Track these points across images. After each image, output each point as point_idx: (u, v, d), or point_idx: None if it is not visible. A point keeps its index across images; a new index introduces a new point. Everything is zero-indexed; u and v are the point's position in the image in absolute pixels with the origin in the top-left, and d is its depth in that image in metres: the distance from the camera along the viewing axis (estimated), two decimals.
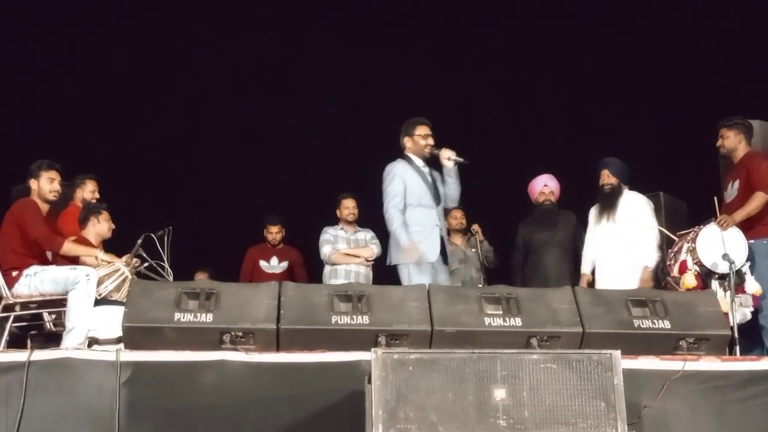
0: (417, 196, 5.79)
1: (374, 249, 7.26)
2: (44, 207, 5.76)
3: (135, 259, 5.87)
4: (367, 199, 6.94)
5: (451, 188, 5.90)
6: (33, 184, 5.71)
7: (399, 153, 6.05)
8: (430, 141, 5.92)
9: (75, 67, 9.56)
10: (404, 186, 5.78)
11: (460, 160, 5.86)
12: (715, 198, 5.97)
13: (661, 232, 6.44)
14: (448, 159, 5.84)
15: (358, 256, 7.19)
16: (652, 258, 6.35)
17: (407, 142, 5.97)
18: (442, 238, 5.85)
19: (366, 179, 6.34)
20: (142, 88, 9.66)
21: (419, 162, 5.93)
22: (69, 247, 5.67)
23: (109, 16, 9.57)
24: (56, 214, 6.26)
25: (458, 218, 7.69)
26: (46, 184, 5.71)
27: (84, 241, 6.09)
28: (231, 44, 10.11)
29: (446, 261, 5.94)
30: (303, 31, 10.20)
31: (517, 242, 7.25)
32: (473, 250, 7.55)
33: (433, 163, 5.97)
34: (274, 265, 8.05)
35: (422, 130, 5.93)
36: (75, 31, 9.46)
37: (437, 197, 5.87)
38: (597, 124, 9.65)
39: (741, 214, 5.80)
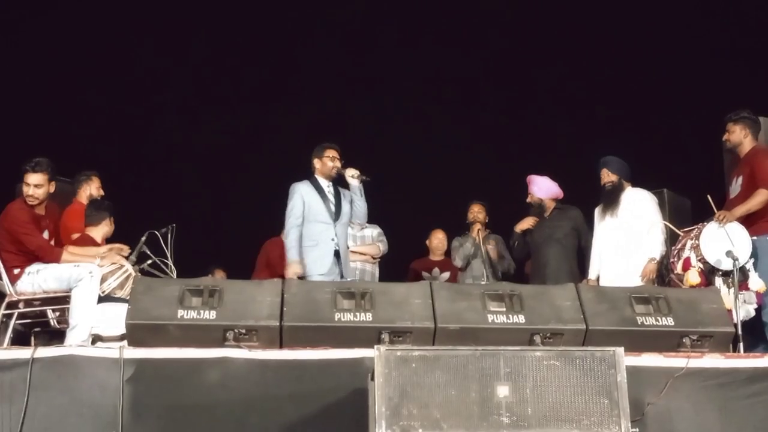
0: (314, 212, 6.14)
1: (381, 247, 7.26)
2: (41, 207, 5.64)
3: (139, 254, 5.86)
4: (374, 196, 6.93)
5: (357, 205, 6.27)
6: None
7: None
8: (337, 163, 6.28)
9: (78, 62, 9.56)
10: (303, 202, 6.14)
11: (364, 177, 6.24)
12: (708, 196, 5.93)
13: (665, 226, 6.43)
14: (353, 177, 6.22)
15: (365, 254, 7.18)
16: (657, 250, 6.35)
17: (316, 163, 6.33)
18: (337, 252, 6.11)
19: (373, 175, 6.36)
20: (151, 83, 9.67)
21: (324, 182, 6.29)
22: (68, 258, 5.58)
23: (108, 15, 9.56)
24: (60, 210, 6.20)
25: (474, 212, 7.71)
26: (24, 188, 5.53)
27: (88, 240, 6.08)
28: (234, 41, 10.12)
29: (342, 275, 6.17)
30: (302, 29, 10.21)
31: (522, 239, 7.27)
32: (489, 247, 7.57)
33: (341, 183, 6.35)
34: None
35: (330, 153, 6.31)
36: (78, 30, 9.46)
37: (337, 214, 6.20)
38: (600, 121, 9.63)
39: (741, 210, 5.78)
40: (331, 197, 6.24)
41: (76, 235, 6.17)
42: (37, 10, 9.49)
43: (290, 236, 6.08)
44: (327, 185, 6.27)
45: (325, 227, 6.12)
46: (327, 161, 6.27)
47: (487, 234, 7.73)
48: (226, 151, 10.12)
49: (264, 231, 8.28)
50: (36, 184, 5.52)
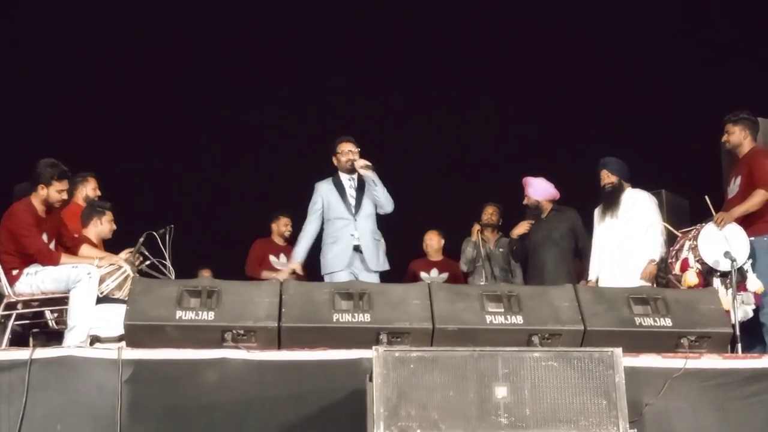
0: (333, 210, 6.25)
1: None
2: (43, 208, 5.65)
3: (137, 255, 5.85)
4: None
5: (376, 194, 6.25)
6: (42, 189, 5.56)
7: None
8: (351, 155, 6.28)
9: (76, 62, 9.55)
10: (322, 201, 6.26)
11: (369, 166, 6.21)
12: (706, 197, 5.94)
13: (664, 227, 6.43)
14: (362, 168, 6.23)
15: None
16: (656, 251, 6.35)
17: (334, 160, 6.40)
18: (357, 247, 6.16)
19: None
20: (144, 83, 9.67)
21: (345, 177, 6.34)
22: (66, 261, 5.59)
23: (108, 14, 9.56)
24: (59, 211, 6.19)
25: (488, 214, 7.73)
26: (55, 194, 5.59)
27: (85, 240, 6.09)
28: (233, 40, 10.12)
29: (368, 268, 6.18)
30: (304, 26, 10.21)
31: (520, 243, 7.28)
32: (500, 250, 7.58)
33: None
34: (283, 262, 8.00)
35: (343, 147, 6.34)
36: (77, 29, 9.46)
37: (356, 208, 6.24)
38: (598, 121, 9.64)
39: (739, 210, 5.78)
40: (352, 191, 6.27)
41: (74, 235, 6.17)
42: (35, 9, 9.49)
43: (302, 235, 6.30)
44: (349, 179, 6.32)
45: (345, 223, 6.20)
46: (341, 156, 6.31)
47: (499, 237, 7.76)
48: (222, 152, 10.14)
49: (255, 231, 8.33)
50: (66, 190, 5.70)
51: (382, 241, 6.30)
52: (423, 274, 7.74)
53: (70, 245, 5.86)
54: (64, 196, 5.70)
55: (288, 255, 8.02)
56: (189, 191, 9.77)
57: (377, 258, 6.21)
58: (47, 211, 5.65)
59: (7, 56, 9.13)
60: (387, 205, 6.27)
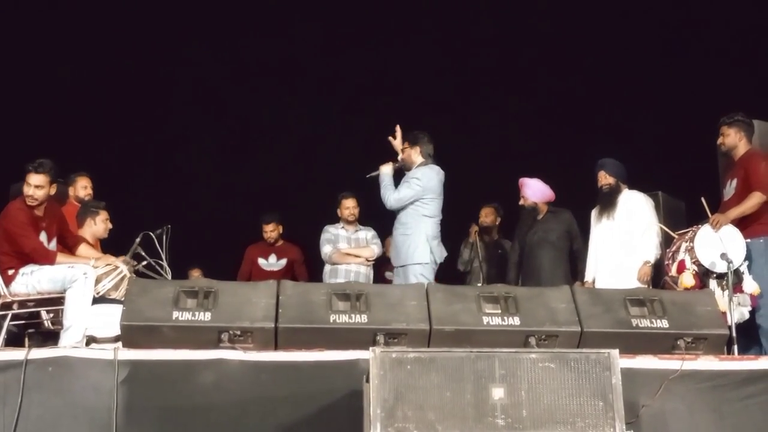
0: None
1: (375, 249, 7.26)
2: (40, 208, 5.61)
3: (132, 261, 5.85)
4: (368, 199, 6.95)
5: None
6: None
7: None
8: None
9: (74, 61, 9.54)
10: None
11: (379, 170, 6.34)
12: (702, 199, 5.96)
13: (660, 229, 6.44)
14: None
15: (359, 256, 7.18)
16: (651, 253, 6.36)
17: None
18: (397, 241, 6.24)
19: (366, 178, 6.37)
20: (139, 83, 9.67)
21: None
22: (62, 260, 5.57)
23: (105, 11, 9.55)
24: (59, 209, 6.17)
25: (483, 216, 7.75)
26: (25, 188, 5.50)
27: (81, 240, 6.08)
28: (230, 40, 10.12)
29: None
30: (302, 27, 10.21)
31: (513, 242, 7.27)
32: (499, 251, 7.59)
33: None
34: (272, 262, 8.05)
35: None
36: (74, 25, 9.46)
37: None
38: (595, 123, 9.64)
39: (735, 213, 5.80)
40: None
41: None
42: (33, 8, 9.48)
43: None
44: None
45: None
46: None
47: (498, 238, 7.76)
48: (219, 152, 10.14)
49: (246, 231, 8.32)
50: (37, 185, 5.50)
51: (410, 235, 6.12)
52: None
53: (72, 244, 5.86)
54: (32, 192, 5.45)
55: (278, 254, 8.07)
56: (183, 190, 9.76)
57: (396, 253, 6.20)
58: (46, 209, 5.63)
59: (5, 56, 9.11)
60: (387, 204, 6.23)
